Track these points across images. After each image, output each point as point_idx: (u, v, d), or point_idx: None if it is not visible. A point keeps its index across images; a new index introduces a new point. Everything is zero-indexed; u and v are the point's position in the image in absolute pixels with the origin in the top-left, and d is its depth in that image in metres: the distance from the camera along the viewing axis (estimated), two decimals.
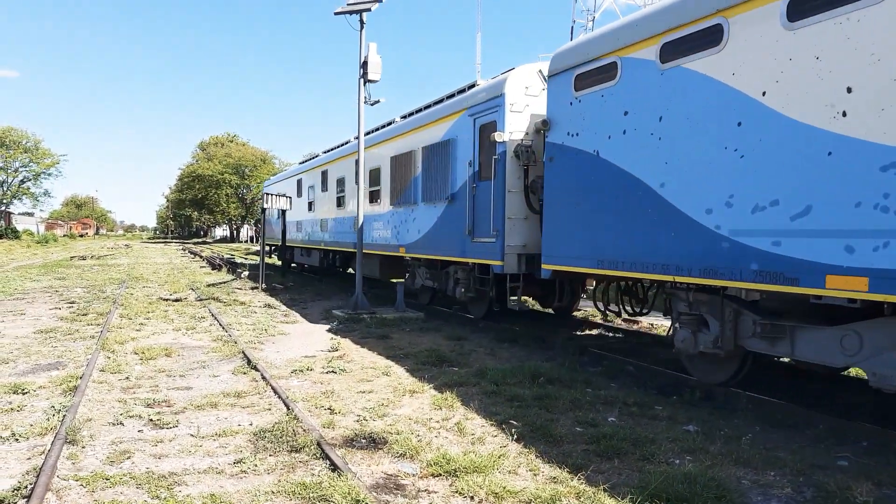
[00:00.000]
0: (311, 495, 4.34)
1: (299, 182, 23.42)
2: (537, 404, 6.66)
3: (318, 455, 5.13)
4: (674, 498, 4.23)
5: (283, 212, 22.49)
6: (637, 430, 5.90)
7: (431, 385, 7.48)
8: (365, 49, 12.93)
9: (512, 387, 7.35)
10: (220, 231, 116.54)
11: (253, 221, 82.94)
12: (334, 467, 4.82)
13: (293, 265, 27.70)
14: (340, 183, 18.51)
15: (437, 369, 8.37)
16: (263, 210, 23.25)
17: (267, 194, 22.27)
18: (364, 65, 12.91)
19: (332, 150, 20.66)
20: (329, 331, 11.51)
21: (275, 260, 31.31)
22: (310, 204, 21.97)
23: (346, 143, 18.96)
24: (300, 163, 25.15)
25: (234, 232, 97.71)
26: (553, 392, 7.11)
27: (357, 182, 14.32)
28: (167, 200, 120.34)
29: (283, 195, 21.73)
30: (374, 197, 15.56)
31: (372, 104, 13.29)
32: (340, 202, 18.41)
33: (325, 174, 20.23)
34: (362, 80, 13.09)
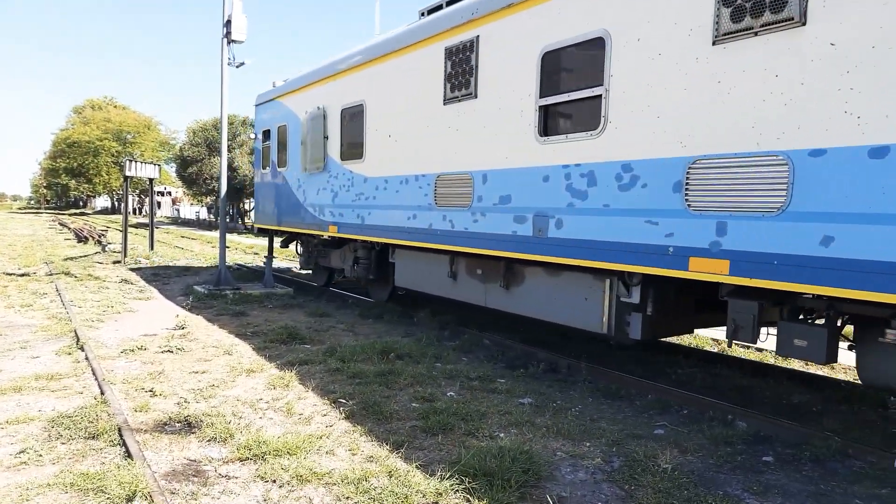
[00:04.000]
0: (88, 486, 3.92)
1: (462, 53, 7.93)
2: (379, 381, 6.47)
3: (115, 442, 4.69)
4: (481, 473, 4.15)
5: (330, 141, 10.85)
6: (472, 404, 5.85)
7: (273, 364, 7.13)
8: (229, 7, 12.10)
9: (358, 363, 7.12)
10: (102, 202, 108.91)
11: (136, 192, 77.87)
12: (129, 454, 4.41)
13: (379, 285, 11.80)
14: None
15: (286, 347, 8.01)
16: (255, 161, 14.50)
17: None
18: (227, 24, 12.09)
19: None
20: (183, 307, 10.82)
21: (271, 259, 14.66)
22: (545, 112, 6.92)
23: None
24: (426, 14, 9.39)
25: (117, 203, 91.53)
26: (399, 368, 6.95)
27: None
28: (41, 168, 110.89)
29: (355, 106, 10.11)
30: None
31: (237, 66, 12.51)
32: None
33: None
34: (226, 41, 12.27)
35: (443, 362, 7.41)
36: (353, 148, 10.34)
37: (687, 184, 5.28)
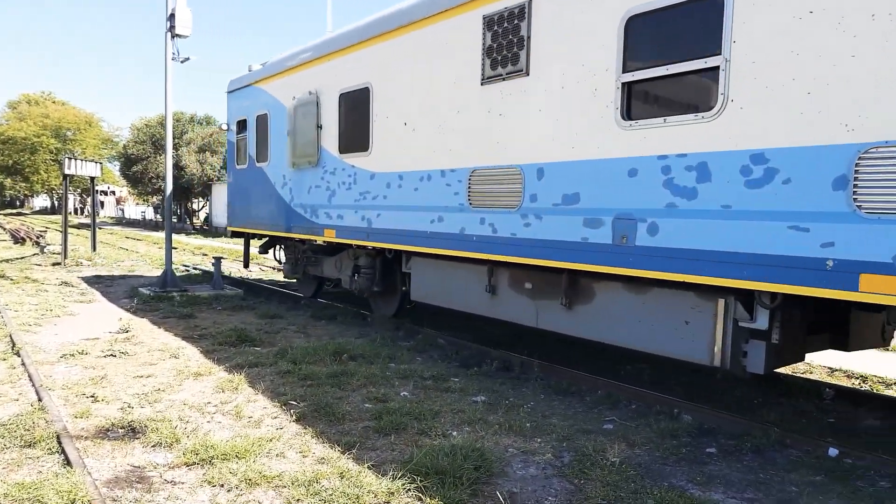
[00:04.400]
0: (24, 496, 3.76)
1: (508, 22, 6.63)
2: (331, 382, 6.41)
3: (53, 450, 4.52)
4: (433, 471, 4.16)
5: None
6: (426, 403, 5.84)
7: (222, 367, 6.98)
8: (173, 0, 11.79)
9: (310, 365, 7.03)
10: (41, 202, 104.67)
11: (78, 192, 75.05)
12: (68, 462, 4.25)
13: None
14: None
15: (236, 349, 7.86)
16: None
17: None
18: (171, 17, 11.78)
19: None
20: (128, 310, 10.50)
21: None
22: None
23: None
24: None
25: (57, 202, 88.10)
26: (352, 369, 6.90)
27: None
28: None
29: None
30: None
31: (182, 62, 12.21)
32: None
33: None
34: (169, 35, 11.95)
35: (397, 362, 7.39)
36: (355, 139, 8.85)
37: (856, 179, 4.13)
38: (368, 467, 4.35)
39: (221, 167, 41.79)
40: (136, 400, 5.77)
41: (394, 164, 8.19)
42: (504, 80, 6.55)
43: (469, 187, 7.05)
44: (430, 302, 8.27)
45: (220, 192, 41.93)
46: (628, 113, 5.51)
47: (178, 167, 38.74)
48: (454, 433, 5.11)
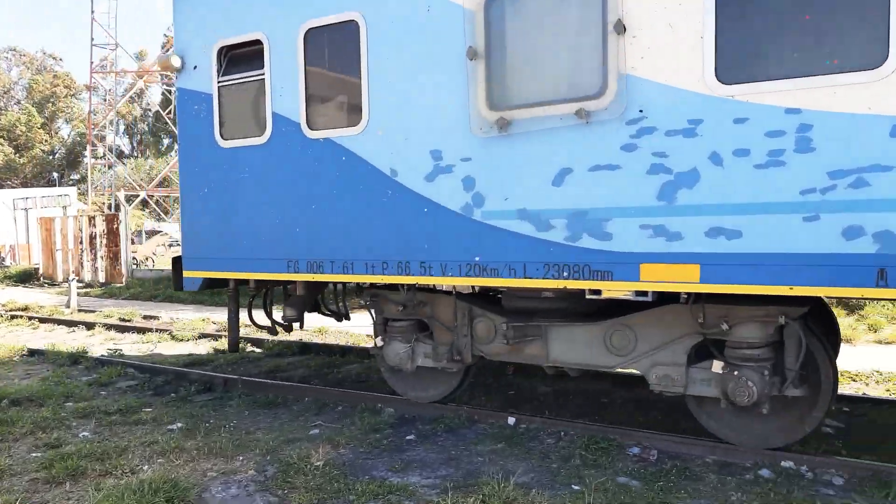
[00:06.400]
0: None
1: None
2: None
3: None
4: None
5: None
6: (111, 441, 5.20)
7: None
8: None
9: None
10: None
11: None
12: None
13: None
14: None
15: None
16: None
17: None
18: None
19: None
20: None
21: None
22: None
23: None
24: None
25: None
26: (14, 415, 5.84)
27: None
28: None
29: None
30: None
31: None
32: None
33: None
34: None
35: (74, 401, 6.46)
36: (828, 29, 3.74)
37: None
38: None
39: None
40: None
41: None
42: None
43: None
44: None
45: None
46: None
47: None
48: (145, 467, 4.64)
